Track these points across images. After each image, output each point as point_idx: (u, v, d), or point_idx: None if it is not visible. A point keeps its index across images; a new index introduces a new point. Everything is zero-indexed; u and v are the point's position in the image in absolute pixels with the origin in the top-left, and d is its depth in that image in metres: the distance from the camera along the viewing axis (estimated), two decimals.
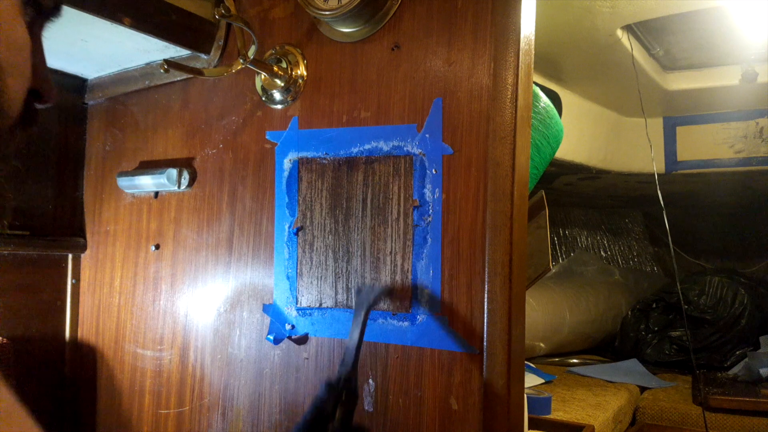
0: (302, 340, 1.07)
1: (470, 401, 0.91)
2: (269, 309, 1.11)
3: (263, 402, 1.10)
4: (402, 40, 1.00)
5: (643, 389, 2.64)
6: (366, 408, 0.99)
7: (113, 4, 1.02)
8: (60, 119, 1.37)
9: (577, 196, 3.70)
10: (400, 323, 0.97)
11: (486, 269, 0.90)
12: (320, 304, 1.05)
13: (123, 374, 1.30)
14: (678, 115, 2.70)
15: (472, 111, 0.93)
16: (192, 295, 1.21)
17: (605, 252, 4.10)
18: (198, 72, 1.10)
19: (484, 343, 0.90)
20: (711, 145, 2.67)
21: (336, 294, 1.04)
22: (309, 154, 1.08)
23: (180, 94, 1.25)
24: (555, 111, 1.31)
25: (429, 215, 0.96)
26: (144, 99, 1.31)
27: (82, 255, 1.39)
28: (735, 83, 2.31)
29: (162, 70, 0.99)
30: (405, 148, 0.99)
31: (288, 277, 1.09)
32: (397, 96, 1.00)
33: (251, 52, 1.09)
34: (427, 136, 0.97)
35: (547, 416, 1.99)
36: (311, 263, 1.07)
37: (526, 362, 1.25)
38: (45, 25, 0.58)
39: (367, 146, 1.02)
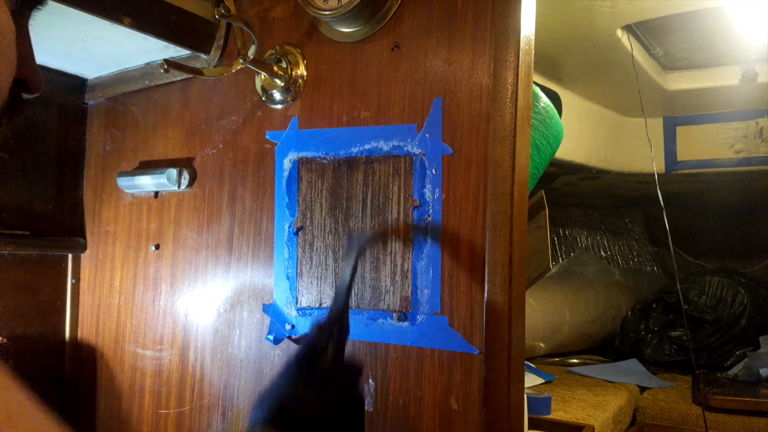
0: (302, 340, 1.07)
1: (470, 401, 0.90)
2: (269, 309, 1.11)
3: None
4: (402, 40, 1.00)
5: (642, 389, 2.64)
6: (366, 408, 0.98)
7: (113, 4, 1.01)
8: (60, 119, 1.36)
9: (577, 196, 3.70)
10: (400, 323, 0.97)
11: (486, 269, 0.90)
12: (320, 304, 1.05)
13: (123, 374, 1.30)
14: (678, 115, 2.70)
15: (472, 111, 0.93)
16: (192, 295, 1.21)
17: (605, 252, 4.10)
18: (198, 72, 1.10)
19: (484, 343, 0.90)
20: (711, 145, 2.67)
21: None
22: (309, 154, 1.08)
23: (180, 94, 1.25)
24: (555, 111, 1.31)
25: (429, 215, 0.96)
26: (144, 99, 1.31)
27: (82, 255, 1.39)
28: (735, 83, 2.31)
29: (162, 70, 0.99)
30: (405, 148, 0.99)
31: (288, 277, 1.09)
32: (397, 96, 1.00)
33: (251, 52, 1.09)
34: (427, 136, 0.97)
35: (547, 416, 1.99)
36: (311, 263, 1.07)
37: (526, 362, 1.25)
38: (31, 14, 0.57)
39: (367, 146, 1.02)
